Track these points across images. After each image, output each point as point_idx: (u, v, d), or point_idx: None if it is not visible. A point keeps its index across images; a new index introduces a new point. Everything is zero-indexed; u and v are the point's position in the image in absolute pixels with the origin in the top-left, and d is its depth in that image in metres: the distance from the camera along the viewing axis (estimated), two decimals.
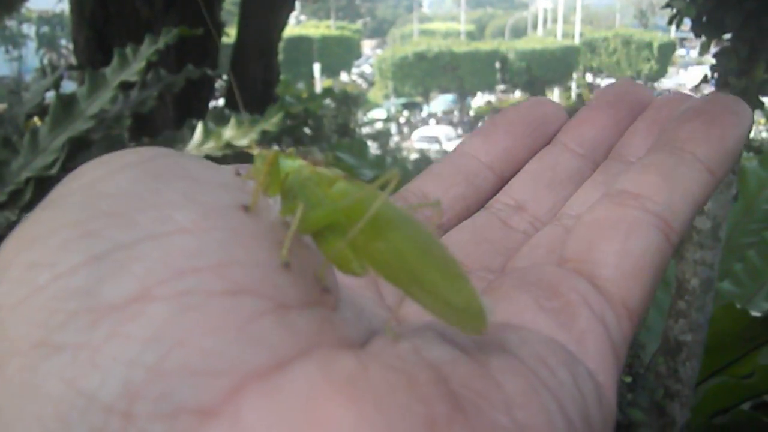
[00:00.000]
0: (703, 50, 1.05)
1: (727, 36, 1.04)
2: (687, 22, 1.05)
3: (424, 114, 17.80)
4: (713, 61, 1.10)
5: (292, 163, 0.20)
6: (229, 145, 1.41)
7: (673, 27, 1.15)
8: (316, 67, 17.89)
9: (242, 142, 1.41)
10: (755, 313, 1.14)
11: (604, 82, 20.85)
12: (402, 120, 16.12)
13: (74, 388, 0.14)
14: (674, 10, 1.00)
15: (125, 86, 1.64)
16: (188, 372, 0.14)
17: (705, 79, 1.06)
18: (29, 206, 1.47)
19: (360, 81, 21.34)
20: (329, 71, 19.83)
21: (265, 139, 1.60)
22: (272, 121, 1.44)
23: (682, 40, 22.19)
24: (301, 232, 0.19)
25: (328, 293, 0.17)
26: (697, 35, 1.03)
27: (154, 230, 0.16)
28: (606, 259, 0.22)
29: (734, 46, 0.97)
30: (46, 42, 19.50)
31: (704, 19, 0.99)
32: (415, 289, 0.19)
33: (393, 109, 16.59)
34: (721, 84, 1.04)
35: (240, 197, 0.18)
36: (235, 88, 2.96)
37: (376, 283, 0.25)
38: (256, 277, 0.16)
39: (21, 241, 0.16)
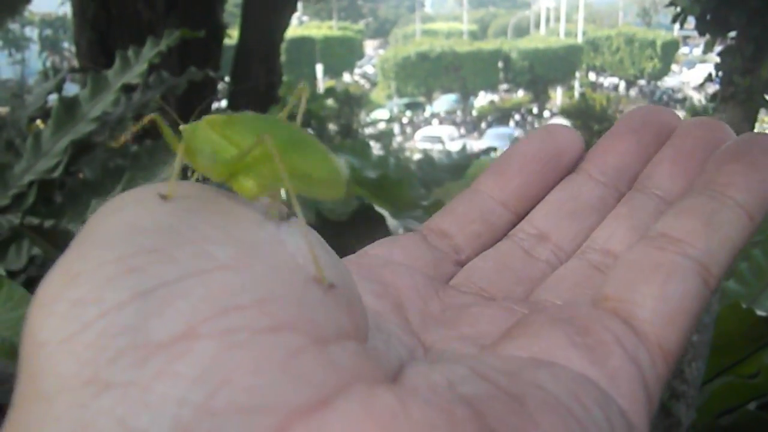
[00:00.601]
0: (708, 48, 1.05)
1: (732, 34, 1.03)
2: (691, 20, 1.05)
3: (426, 114, 17.81)
4: (717, 59, 1.09)
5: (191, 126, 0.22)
6: None
7: (677, 25, 1.14)
8: (319, 68, 17.91)
9: None
10: (761, 313, 1.14)
11: (607, 80, 20.85)
12: (405, 120, 16.13)
13: (125, 426, 0.14)
14: (678, 9, 0.99)
15: (127, 89, 1.64)
16: (236, 410, 0.14)
17: (710, 78, 1.05)
18: (32, 209, 1.47)
19: (363, 81, 21.35)
20: (332, 72, 19.84)
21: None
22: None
23: (686, 38, 22.14)
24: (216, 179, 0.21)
25: (333, 288, 0.18)
26: (702, 33, 1.03)
27: (196, 267, 0.16)
28: (644, 301, 0.22)
29: (739, 45, 0.97)
30: (49, 45, 19.54)
31: (708, 17, 0.98)
32: (294, 181, 0.20)
33: (396, 110, 16.60)
34: (726, 82, 1.03)
35: (274, 232, 0.18)
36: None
37: (401, 307, 0.25)
38: (295, 313, 0.16)
39: (65, 276, 0.16)
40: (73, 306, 0.15)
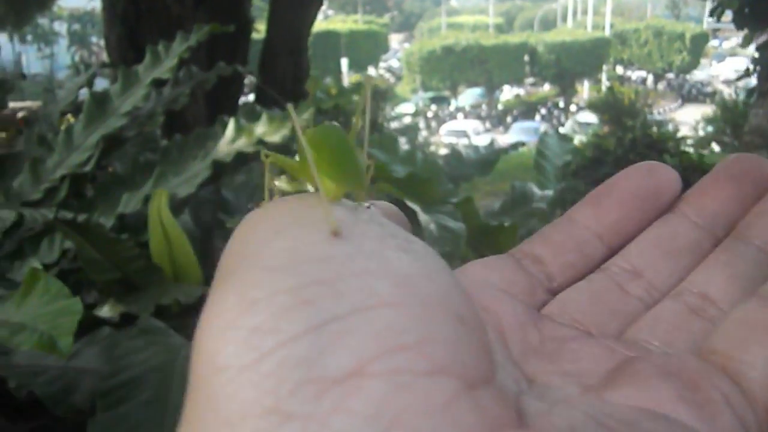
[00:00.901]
0: (745, 43, 1.03)
1: None
2: (728, 14, 1.03)
3: (452, 108, 17.77)
4: (749, 53, 1.08)
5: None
6: (260, 141, 1.41)
7: (706, 17, 1.13)
8: (344, 62, 17.93)
9: (273, 138, 1.41)
10: None
11: (635, 74, 20.64)
12: (430, 114, 16.09)
13: None
14: (715, 2, 0.98)
15: (158, 83, 1.65)
16: None
17: (747, 73, 1.03)
18: (64, 203, 1.48)
19: (388, 75, 21.33)
20: (357, 66, 19.84)
21: (296, 136, 1.60)
22: (303, 117, 1.44)
23: (715, 31, 21.86)
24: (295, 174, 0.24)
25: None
26: (739, 27, 1.01)
27: (361, 303, 0.17)
28: (755, 362, 0.22)
29: None
30: (78, 39, 19.75)
31: (746, 10, 0.97)
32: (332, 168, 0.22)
33: (421, 104, 16.57)
34: (764, 77, 1.01)
35: (420, 264, 0.19)
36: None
37: (503, 335, 0.25)
38: (449, 355, 0.16)
39: (241, 303, 0.17)
40: (252, 334, 0.16)
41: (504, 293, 0.27)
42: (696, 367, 0.22)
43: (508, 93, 18.86)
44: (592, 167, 2.24)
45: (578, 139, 5.53)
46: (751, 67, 0.98)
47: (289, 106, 0.23)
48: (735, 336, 0.23)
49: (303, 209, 0.21)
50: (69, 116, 2.19)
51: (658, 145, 2.71)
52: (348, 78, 17.00)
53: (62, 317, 0.61)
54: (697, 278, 0.29)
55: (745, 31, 0.94)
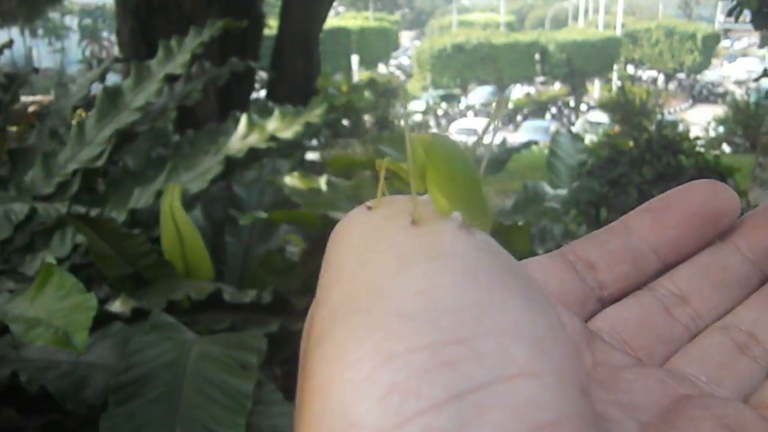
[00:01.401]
0: (764, 43, 1.02)
1: None
2: (745, 14, 1.02)
3: (462, 106, 17.72)
4: (761, 53, 1.07)
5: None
6: (273, 137, 1.41)
7: (718, 17, 1.12)
8: (354, 59, 17.91)
9: (286, 134, 1.41)
10: None
11: (645, 74, 20.56)
12: (440, 112, 16.06)
13: None
14: (734, 2, 0.97)
15: (170, 79, 1.65)
16: None
17: (765, 74, 1.02)
18: (76, 197, 1.48)
19: (398, 73, 21.31)
20: (367, 63, 19.82)
21: (308, 132, 1.60)
22: (316, 113, 1.44)
23: (727, 31, 21.74)
24: (414, 186, 0.23)
25: (417, 224, 0.20)
26: (758, 28, 1.00)
27: (501, 370, 0.17)
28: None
29: None
30: (88, 34, 19.80)
31: (765, 10, 0.96)
32: (457, 200, 0.22)
33: (431, 101, 16.55)
34: None
35: (548, 310, 0.19)
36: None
37: None
38: None
39: (377, 356, 0.17)
40: (390, 393, 0.16)
41: (562, 306, 0.28)
42: (752, 421, 0.22)
43: (518, 91, 18.79)
44: (607, 167, 2.23)
45: (589, 139, 5.50)
46: None
47: (408, 135, 0.23)
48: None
49: (424, 235, 0.20)
50: (81, 111, 2.20)
51: (674, 145, 2.68)
52: (358, 75, 17.00)
53: (77, 313, 0.61)
54: (745, 315, 0.29)
55: (764, 31, 0.93)
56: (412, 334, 0.17)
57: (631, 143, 2.54)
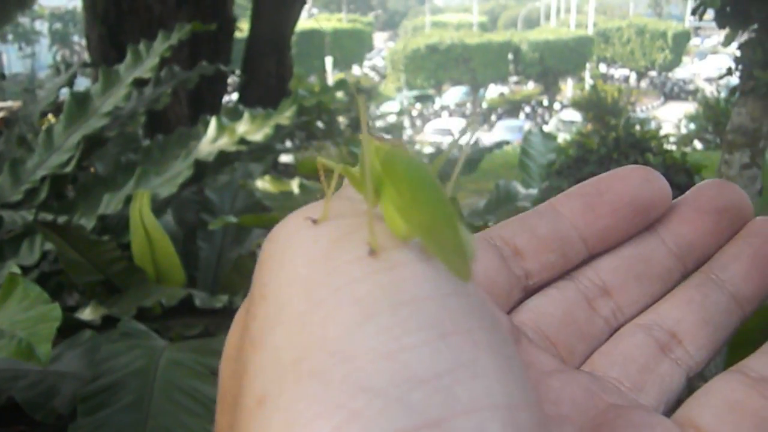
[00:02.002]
0: (727, 42, 1.04)
1: (753, 27, 1.02)
2: (709, 13, 1.03)
3: (436, 107, 17.77)
4: (730, 51, 1.08)
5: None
6: (242, 140, 1.40)
7: (688, 16, 1.13)
8: (328, 61, 17.88)
9: (256, 136, 1.40)
10: None
11: (617, 72, 20.74)
12: (415, 113, 16.09)
13: None
14: (697, 1, 0.98)
15: (139, 83, 1.64)
16: None
17: (729, 72, 1.04)
18: (45, 204, 1.47)
19: (372, 74, 21.32)
20: (341, 64, 19.82)
21: (279, 134, 1.59)
22: (286, 115, 1.44)
23: (697, 29, 22.00)
24: (367, 200, 0.21)
25: (375, 254, 0.18)
26: (721, 26, 1.02)
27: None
28: None
29: (759, 38, 0.95)
30: (59, 39, 19.58)
31: (728, 9, 0.97)
32: (425, 237, 0.20)
33: (406, 102, 16.57)
34: (746, 76, 1.02)
35: (516, 373, 0.18)
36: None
37: None
38: None
39: None
40: None
41: (493, 305, 0.27)
42: None
43: (492, 91, 18.88)
44: (575, 166, 2.25)
45: (562, 137, 5.54)
46: (733, 65, 0.99)
47: (363, 136, 0.21)
48: (722, 418, 0.23)
49: (384, 271, 0.18)
50: (50, 116, 2.17)
51: (642, 144, 2.71)
52: (333, 76, 16.96)
53: (41, 324, 0.60)
54: (667, 313, 0.29)
55: (727, 29, 0.95)
56: (379, 418, 0.15)
57: (596, 142, 2.58)
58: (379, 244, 0.19)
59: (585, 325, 0.28)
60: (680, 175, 3.07)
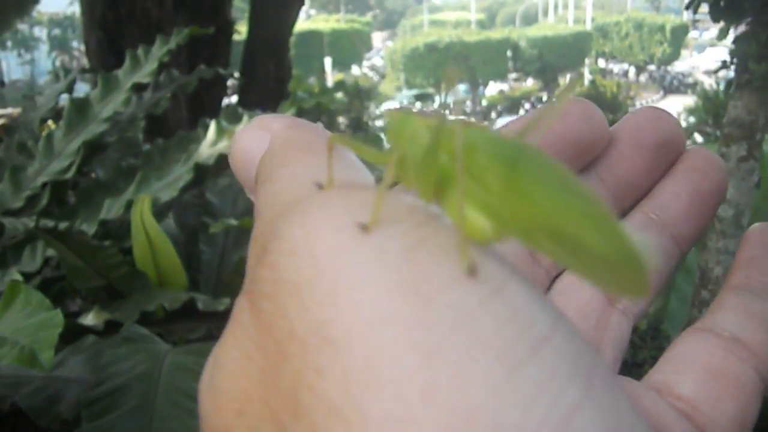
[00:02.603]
0: (722, 35, 1.04)
1: (747, 20, 1.02)
2: (704, 7, 1.04)
3: (436, 105, 17.77)
4: (729, 43, 1.08)
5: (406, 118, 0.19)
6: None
7: (684, 9, 1.14)
8: (327, 61, 17.89)
9: None
10: None
11: (617, 66, 20.73)
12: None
13: None
14: None
15: (138, 88, 1.64)
16: None
17: (724, 65, 1.04)
18: (46, 211, 1.47)
19: (371, 74, 21.33)
20: (340, 65, 19.82)
21: None
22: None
23: (695, 22, 21.96)
24: (421, 194, 0.17)
25: (475, 274, 0.15)
26: (715, 20, 1.02)
27: None
28: (722, 421, 0.23)
29: (753, 31, 0.95)
30: (58, 44, 19.62)
31: (722, 3, 0.97)
32: (549, 242, 0.16)
33: (405, 101, 16.57)
34: (741, 69, 1.02)
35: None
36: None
37: None
38: None
39: None
40: None
41: None
42: (673, 419, 0.23)
43: (492, 88, 18.88)
44: None
45: None
46: (729, 59, 0.98)
47: (456, 126, 0.16)
48: (703, 386, 0.23)
49: (493, 300, 0.14)
50: (51, 122, 2.18)
51: None
52: (332, 77, 16.97)
53: (43, 330, 0.61)
54: None
55: (722, 23, 0.95)
56: None
57: None
58: (467, 255, 0.15)
59: (529, 276, 0.27)
60: None
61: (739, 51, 0.99)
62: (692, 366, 0.24)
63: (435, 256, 0.15)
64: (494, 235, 0.16)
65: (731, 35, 1.05)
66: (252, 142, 0.22)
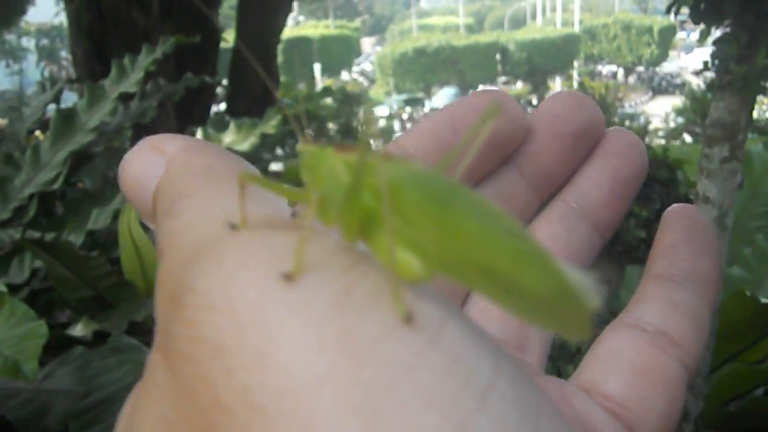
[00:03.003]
0: (703, 38, 1.05)
1: (727, 22, 1.03)
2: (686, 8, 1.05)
3: (426, 109, 17.79)
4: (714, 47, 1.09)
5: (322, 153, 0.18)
6: (229, 150, 1.41)
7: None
8: (317, 68, 17.91)
9: (242, 146, 1.41)
10: (765, 300, 1.14)
11: (605, 68, 20.81)
12: (405, 116, 16.12)
13: None
14: None
15: (125, 97, 1.64)
16: None
17: (706, 67, 1.05)
18: (33, 222, 1.47)
19: (361, 79, 21.35)
20: (330, 71, 19.85)
21: (268, 143, 1.60)
22: (271, 124, 1.44)
23: (683, 23, 22.08)
24: (344, 235, 0.16)
25: (412, 321, 0.14)
26: (696, 22, 1.03)
27: None
28: (650, 417, 0.23)
29: (734, 33, 0.96)
30: (46, 55, 19.57)
31: (702, 5, 0.98)
32: (484, 281, 0.15)
33: (395, 106, 16.59)
34: (722, 70, 1.03)
35: None
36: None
37: None
38: None
39: None
40: None
41: None
42: (601, 419, 0.22)
43: None
44: None
45: None
46: (710, 60, 0.99)
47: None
48: (632, 384, 0.23)
49: (434, 347, 0.13)
50: (38, 133, 2.17)
51: None
52: (322, 83, 16.99)
53: (27, 341, 0.61)
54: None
55: (702, 26, 0.95)
56: None
57: None
58: (402, 301, 0.14)
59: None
60: (662, 170, 3.09)
61: (719, 53, 1.00)
62: (619, 364, 0.24)
63: (367, 303, 0.14)
64: (425, 274, 0.16)
65: (717, 36, 1.07)
66: (145, 166, 0.20)
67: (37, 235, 1.14)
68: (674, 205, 0.28)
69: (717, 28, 1.03)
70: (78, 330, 1.16)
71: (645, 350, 0.24)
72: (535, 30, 21.33)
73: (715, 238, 0.27)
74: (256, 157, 1.61)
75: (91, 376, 0.85)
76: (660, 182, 3.07)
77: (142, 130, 2.07)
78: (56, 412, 0.90)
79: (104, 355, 0.90)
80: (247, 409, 0.12)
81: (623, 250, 2.79)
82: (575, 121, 0.27)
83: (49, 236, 1.13)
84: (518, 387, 0.13)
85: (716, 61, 1.03)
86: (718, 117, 1.02)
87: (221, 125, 1.62)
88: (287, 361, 0.13)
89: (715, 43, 1.03)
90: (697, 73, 1.06)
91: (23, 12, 3.24)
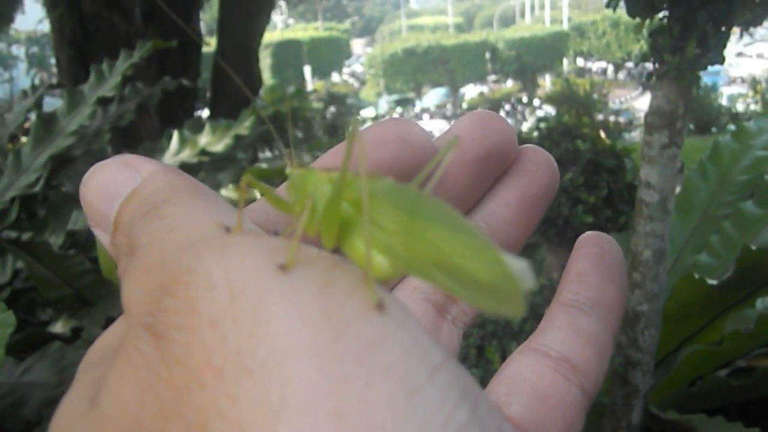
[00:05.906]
0: (637, 30, 1.09)
1: (662, 14, 1.07)
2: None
3: (417, 109, 17.82)
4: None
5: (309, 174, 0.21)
6: (204, 151, 1.44)
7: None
8: (307, 70, 17.93)
9: (217, 147, 1.44)
10: (712, 282, 1.18)
11: (595, 65, 20.85)
12: (396, 116, 16.12)
13: None
14: None
15: (103, 101, 1.67)
16: None
17: (645, 57, 1.09)
18: (15, 224, 1.50)
19: (352, 80, 21.36)
20: (320, 73, 19.87)
21: (243, 144, 1.63)
22: (245, 125, 1.47)
23: None
24: (324, 243, 0.19)
25: (383, 308, 0.16)
26: (632, 16, 1.07)
27: None
28: None
29: (669, 25, 1.00)
30: (37, 62, 19.52)
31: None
32: (440, 274, 0.18)
33: (386, 106, 16.62)
34: (659, 61, 1.07)
35: None
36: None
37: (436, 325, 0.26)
38: None
39: None
40: None
41: None
42: None
43: (472, 91, 18.94)
44: None
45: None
46: (648, 51, 1.03)
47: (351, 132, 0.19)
48: (533, 408, 0.24)
49: (395, 322, 0.16)
50: (23, 139, 2.20)
51: (573, 131, 2.82)
52: (312, 85, 16.99)
53: None
54: None
55: (637, 19, 0.99)
56: None
57: (535, 133, 2.66)
58: (377, 293, 0.17)
59: None
60: (609, 159, 3.18)
61: (654, 44, 1.04)
62: (522, 388, 0.25)
63: (346, 293, 0.16)
64: (393, 271, 0.19)
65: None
66: (116, 178, 0.22)
67: (13, 235, 1.17)
68: (587, 233, 0.29)
69: (651, 20, 1.07)
70: (58, 327, 1.19)
71: (547, 375, 0.25)
72: (524, 28, 21.36)
73: (623, 267, 0.28)
74: (232, 157, 1.64)
75: (65, 367, 0.89)
76: (608, 170, 3.16)
77: (126, 132, 2.10)
78: (33, 404, 0.93)
79: (78, 348, 0.94)
80: (236, 370, 0.15)
81: (573, 235, 2.90)
82: (480, 146, 0.28)
83: (26, 236, 1.16)
84: (462, 374, 0.16)
85: (653, 53, 1.07)
86: (657, 106, 1.06)
87: (198, 127, 1.65)
88: (276, 332, 0.15)
89: (650, 34, 1.07)
90: (636, 65, 1.09)
91: (10, 20, 3.26)
